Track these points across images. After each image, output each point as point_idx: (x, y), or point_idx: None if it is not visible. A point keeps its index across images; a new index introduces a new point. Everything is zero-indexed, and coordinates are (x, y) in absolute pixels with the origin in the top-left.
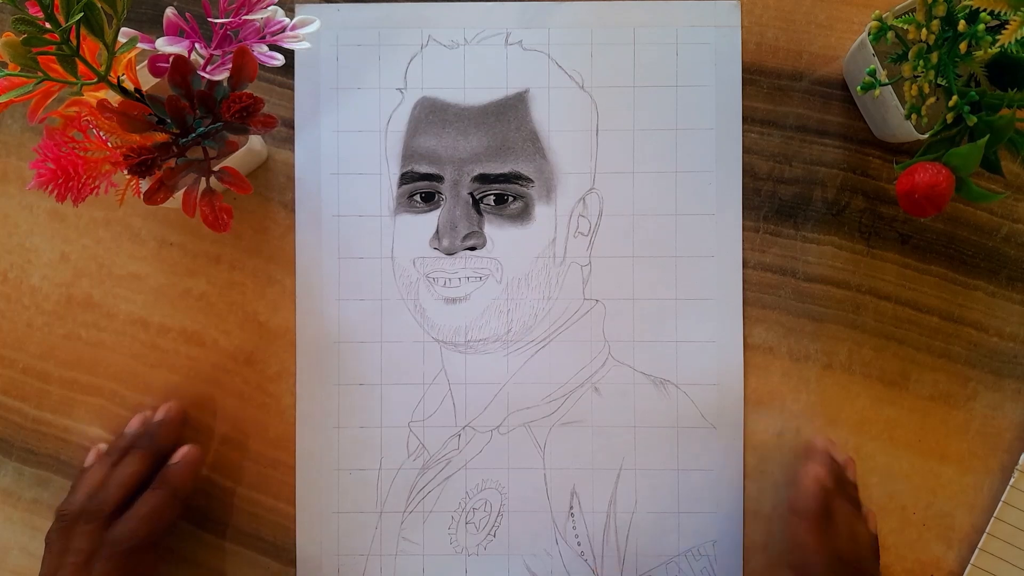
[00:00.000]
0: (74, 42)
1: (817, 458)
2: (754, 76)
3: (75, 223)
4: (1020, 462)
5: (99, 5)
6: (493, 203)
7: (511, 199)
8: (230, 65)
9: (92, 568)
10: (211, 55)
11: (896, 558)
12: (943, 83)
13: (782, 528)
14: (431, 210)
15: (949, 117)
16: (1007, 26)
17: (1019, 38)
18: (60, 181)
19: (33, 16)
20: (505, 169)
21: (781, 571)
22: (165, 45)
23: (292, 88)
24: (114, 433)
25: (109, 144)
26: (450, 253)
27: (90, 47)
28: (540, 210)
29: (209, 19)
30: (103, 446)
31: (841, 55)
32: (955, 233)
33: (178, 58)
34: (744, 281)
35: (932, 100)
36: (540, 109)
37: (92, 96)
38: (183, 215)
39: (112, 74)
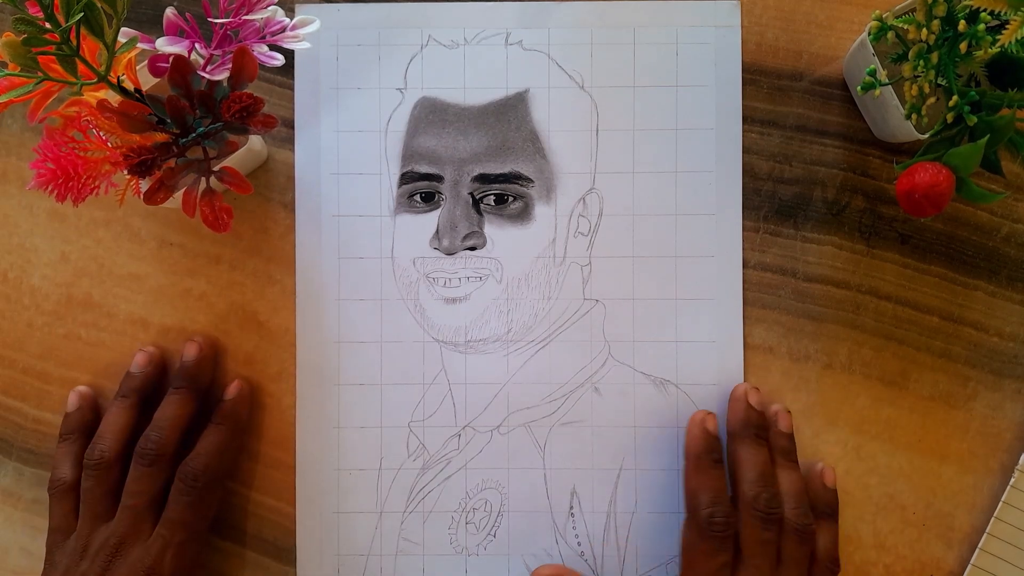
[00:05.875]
0: (74, 42)
1: (732, 404)
2: (754, 76)
3: (75, 223)
4: (1020, 462)
5: (99, 5)
6: (493, 203)
7: (511, 199)
8: (230, 65)
9: (153, 508)
10: (211, 55)
11: (896, 558)
12: (943, 83)
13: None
14: (431, 210)
15: (949, 117)
16: (1007, 26)
17: (1019, 38)
18: (60, 181)
19: (33, 16)
20: (505, 169)
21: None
22: (165, 45)
23: (292, 88)
24: None
25: (109, 144)
26: (450, 253)
27: (90, 47)
28: (540, 210)
29: (209, 19)
30: (84, 388)
31: (841, 55)
32: (955, 233)
33: (178, 58)
34: (744, 281)
35: (932, 100)
36: (540, 109)
37: (92, 96)
38: (183, 215)
39: (112, 74)
